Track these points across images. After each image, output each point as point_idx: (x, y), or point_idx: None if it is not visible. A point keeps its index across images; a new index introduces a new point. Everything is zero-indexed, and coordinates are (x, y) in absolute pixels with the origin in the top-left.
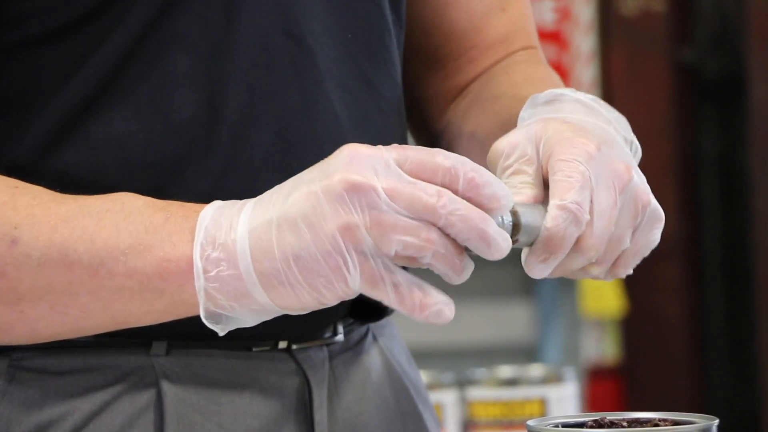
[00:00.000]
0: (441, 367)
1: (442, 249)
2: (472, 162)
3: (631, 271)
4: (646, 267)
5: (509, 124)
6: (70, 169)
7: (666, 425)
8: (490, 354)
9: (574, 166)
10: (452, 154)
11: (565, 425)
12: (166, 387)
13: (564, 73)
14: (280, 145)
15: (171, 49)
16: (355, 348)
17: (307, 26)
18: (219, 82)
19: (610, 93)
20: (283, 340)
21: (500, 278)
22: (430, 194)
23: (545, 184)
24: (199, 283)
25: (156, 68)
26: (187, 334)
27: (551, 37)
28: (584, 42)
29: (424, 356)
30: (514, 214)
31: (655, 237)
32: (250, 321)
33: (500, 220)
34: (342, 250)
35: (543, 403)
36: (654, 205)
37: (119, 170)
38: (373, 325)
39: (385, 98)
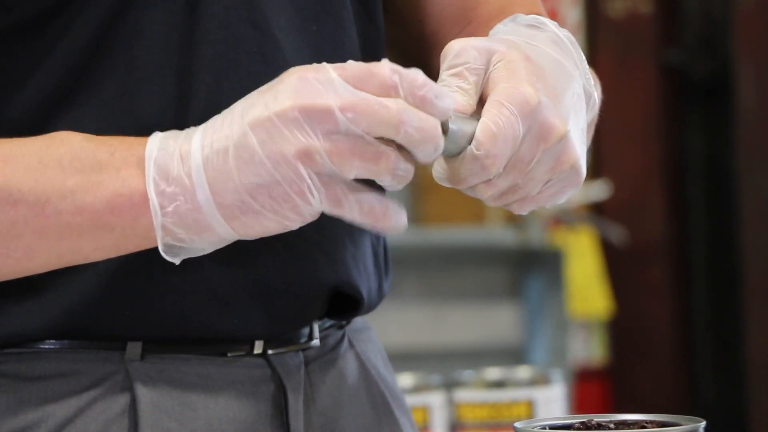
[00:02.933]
0: (428, 369)
1: (401, 171)
2: (410, 69)
3: (524, 212)
4: (632, 268)
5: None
6: None
7: (652, 427)
8: (478, 356)
9: (507, 118)
10: (390, 63)
11: (553, 427)
12: (141, 392)
13: None
14: None
15: (136, 43)
16: (330, 353)
17: (272, 17)
18: (186, 75)
19: None
20: (258, 339)
21: (487, 280)
22: (388, 107)
23: (481, 101)
24: (157, 219)
25: (122, 64)
26: (162, 336)
27: None
28: None
29: (411, 358)
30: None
31: (563, 197)
32: (207, 249)
33: None
34: (303, 175)
35: (530, 404)
36: (578, 167)
37: None
38: (349, 330)
39: None
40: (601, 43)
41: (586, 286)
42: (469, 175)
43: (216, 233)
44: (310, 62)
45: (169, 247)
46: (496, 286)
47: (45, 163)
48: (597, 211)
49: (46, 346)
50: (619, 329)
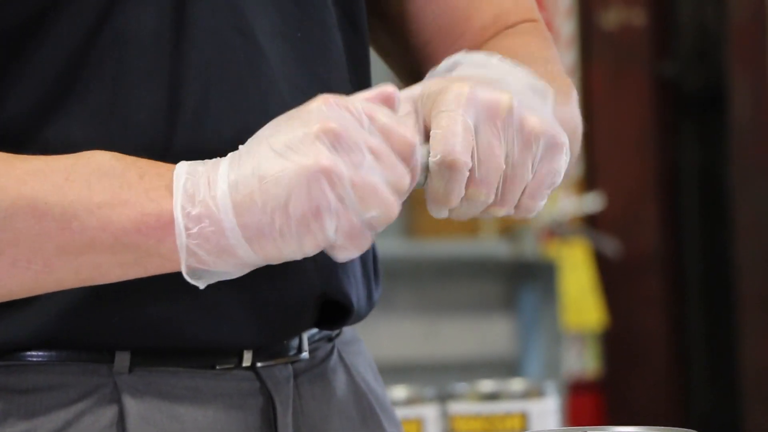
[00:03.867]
0: (422, 382)
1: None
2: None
3: (541, 205)
4: (626, 280)
5: None
6: None
7: None
8: (472, 368)
9: (449, 115)
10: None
11: None
12: (129, 405)
13: None
14: (239, 141)
15: (123, 50)
16: (320, 366)
17: (257, 24)
18: (175, 81)
19: (590, 107)
20: (248, 348)
21: (481, 292)
22: (410, 134)
23: (426, 137)
24: (181, 240)
25: (109, 71)
26: (150, 346)
27: None
28: (565, 56)
29: (404, 370)
30: None
31: (558, 164)
32: (232, 273)
33: None
34: (326, 201)
35: (524, 417)
36: (550, 132)
37: None
38: (338, 342)
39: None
40: (595, 55)
41: (580, 298)
42: (447, 187)
43: (239, 256)
44: (294, 69)
45: (192, 270)
46: (489, 298)
47: (72, 179)
48: (590, 223)
49: (35, 358)
50: (613, 341)
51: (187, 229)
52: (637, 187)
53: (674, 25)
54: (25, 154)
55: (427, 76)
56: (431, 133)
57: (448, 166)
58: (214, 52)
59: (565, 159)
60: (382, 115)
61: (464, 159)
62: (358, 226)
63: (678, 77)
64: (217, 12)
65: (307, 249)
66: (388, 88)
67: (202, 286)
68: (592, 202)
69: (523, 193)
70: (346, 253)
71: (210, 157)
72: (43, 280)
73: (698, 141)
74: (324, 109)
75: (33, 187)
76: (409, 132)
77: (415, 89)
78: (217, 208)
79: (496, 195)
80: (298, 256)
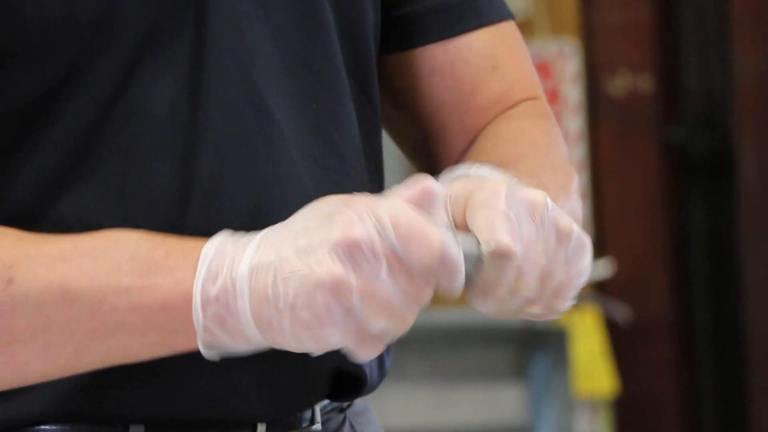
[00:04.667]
0: None
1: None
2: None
3: (567, 306)
4: (637, 346)
5: None
6: None
7: None
8: None
9: (492, 209)
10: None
11: None
12: None
13: None
14: (253, 214)
15: (138, 123)
16: None
17: (272, 97)
18: (189, 152)
19: (598, 172)
20: (261, 421)
21: (492, 360)
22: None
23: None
24: (197, 319)
25: (124, 143)
26: (164, 419)
27: None
28: (573, 122)
29: None
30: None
31: (584, 266)
32: (246, 350)
33: None
34: (334, 309)
35: None
36: (577, 233)
37: None
38: (349, 413)
39: (353, 166)
40: (602, 121)
41: (591, 365)
42: (498, 274)
43: (251, 340)
44: (309, 140)
45: (208, 346)
46: (500, 365)
47: (100, 263)
48: (600, 289)
49: (45, 428)
50: (625, 408)
51: (204, 309)
52: (646, 252)
53: (681, 90)
54: (40, 227)
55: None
56: (475, 226)
57: (502, 255)
58: (228, 124)
59: (589, 260)
60: (408, 219)
61: (516, 247)
62: (366, 335)
63: (685, 142)
64: (231, 85)
65: (315, 350)
66: (428, 184)
67: (216, 358)
68: (602, 268)
69: (554, 291)
70: (359, 356)
71: (224, 228)
72: (76, 363)
73: (706, 205)
74: (350, 215)
75: (61, 273)
76: (436, 238)
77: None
78: (235, 291)
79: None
80: (306, 351)
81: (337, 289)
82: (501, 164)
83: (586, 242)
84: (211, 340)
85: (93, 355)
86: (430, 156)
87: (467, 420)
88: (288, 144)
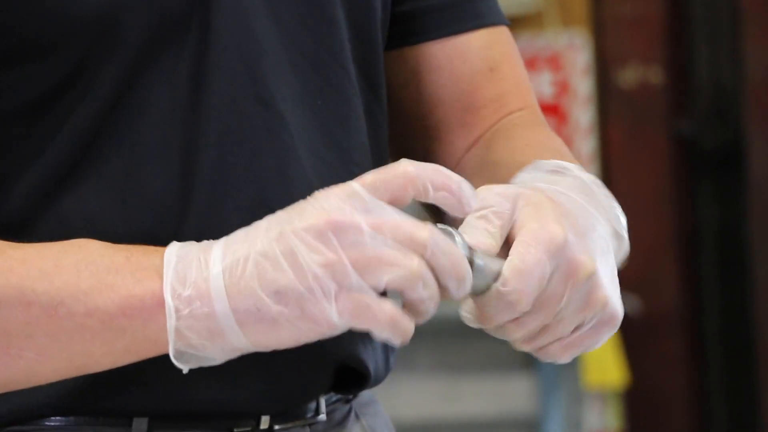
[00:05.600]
0: None
1: (430, 281)
2: (434, 165)
3: (565, 360)
4: (647, 339)
5: None
6: (46, 242)
7: None
8: (492, 428)
9: (535, 256)
10: (412, 163)
11: None
12: None
13: None
14: (257, 210)
15: (140, 121)
16: (337, 427)
17: (277, 92)
18: (192, 149)
19: (608, 165)
20: (265, 414)
21: (501, 351)
22: (416, 225)
23: (507, 245)
24: (171, 322)
25: (126, 141)
26: (167, 412)
27: (550, 110)
28: (583, 115)
29: (425, 430)
30: (471, 251)
31: (602, 338)
32: (218, 359)
33: (462, 242)
34: (326, 285)
35: None
36: (612, 308)
37: None
38: (355, 404)
39: (357, 164)
40: (613, 114)
41: (601, 357)
42: (496, 313)
43: (229, 341)
44: (314, 137)
45: (180, 354)
46: (510, 357)
47: (61, 266)
48: None
49: (51, 423)
50: (634, 400)
51: (177, 311)
52: (656, 244)
53: (691, 83)
54: (43, 225)
55: (530, 168)
56: (509, 258)
57: (510, 303)
58: (232, 119)
59: (609, 336)
60: (376, 178)
61: (528, 304)
62: (363, 304)
63: (695, 135)
64: (236, 81)
65: (308, 337)
66: (407, 168)
67: (185, 370)
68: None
69: (558, 340)
70: (376, 332)
71: (227, 225)
72: (39, 369)
73: (716, 198)
74: (323, 202)
75: (20, 274)
76: (410, 169)
77: (520, 191)
78: (209, 290)
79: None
80: (296, 344)
81: (331, 270)
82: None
83: (616, 320)
84: (183, 347)
85: (55, 360)
86: (425, 153)
87: (477, 411)
88: (294, 140)
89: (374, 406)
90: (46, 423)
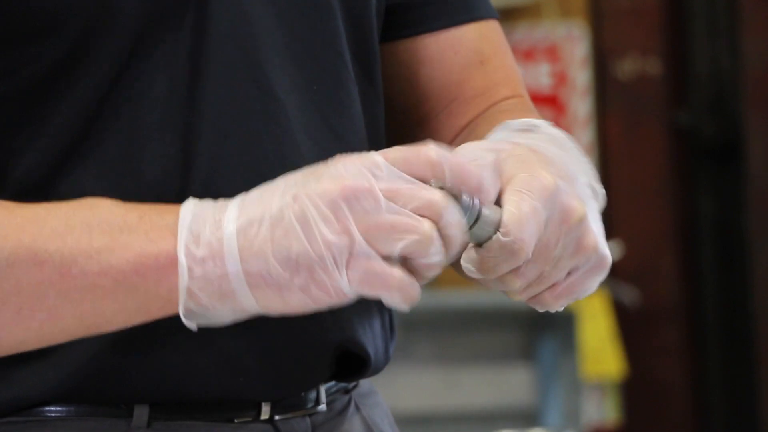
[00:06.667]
0: None
1: (440, 248)
2: (458, 157)
3: (560, 308)
4: (645, 330)
5: None
6: None
7: None
8: (491, 418)
9: (530, 203)
10: (436, 147)
11: None
12: None
13: None
14: None
15: (138, 104)
16: (337, 418)
17: (275, 77)
18: (189, 133)
19: (606, 156)
20: (265, 401)
21: (500, 343)
22: (430, 191)
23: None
24: (183, 281)
25: (123, 124)
26: (168, 399)
27: (548, 101)
28: (581, 106)
29: (424, 421)
30: (479, 203)
31: (593, 284)
32: (227, 320)
33: (468, 201)
34: (337, 254)
35: None
36: (601, 253)
37: None
38: (355, 394)
39: (353, 149)
40: (611, 105)
41: (599, 348)
42: (498, 264)
43: (239, 302)
44: (312, 121)
45: (189, 312)
46: (508, 348)
47: (72, 225)
48: (609, 272)
49: (52, 414)
50: (633, 391)
51: (190, 270)
52: (655, 235)
53: (690, 74)
54: None
55: (500, 128)
56: (506, 208)
57: (512, 252)
58: (229, 103)
59: (601, 280)
60: (396, 152)
61: (529, 253)
62: (373, 272)
63: (694, 126)
64: (234, 65)
65: (318, 303)
66: (431, 151)
67: (194, 328)
68: (611, 252)
69: (550, 288)
70: (385, 299)
71: None
72: (50, 328)
73: (715, 189)
74: (340, 166)
75: (32, 234)
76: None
77: (500, 145)
78: (222, 251)
79: None
80: (305, 310)
81: (342, 237)
82: None
83: (605, 265)
84: (194, 306)
85: (67, 320)
86: (412, 141)
87: (475, 402)
88: (292, 124)
89: (374, 396)
90: (47, 413)
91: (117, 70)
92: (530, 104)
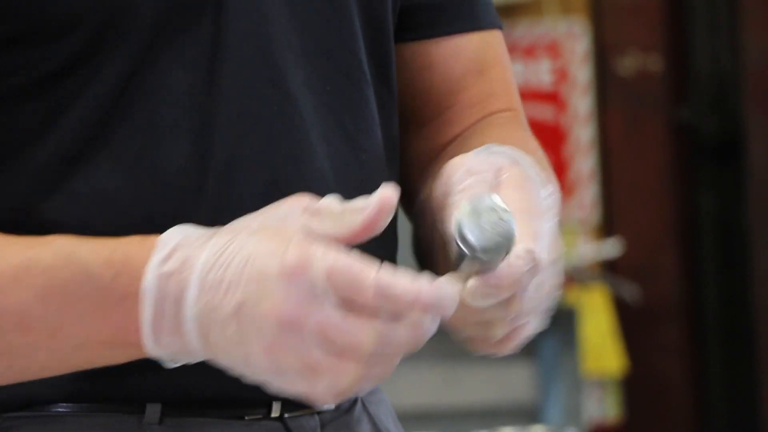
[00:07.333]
0: (443, 429)
1: (368, 384)
2: (403, 276)
3: (508, 351)
4: (646, 327)
5: None
6: (56, 224)
7: None
8: (492, 415)
9: (538, 226)
10: (384, 275)
11: None
12: None
13: (562, 134)
14: (270, 193)
15: (154, 100)
16: (345, 416)
17: (291, 77)
18: (205, 132)
19: (607, 153)
20: (276, 400)
21: None
22: (363, 331)
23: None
24: (154, 351)
25: (140, 121)
26: (181, 398)
27: (549, 97)
28: (581, 102)
29: (425, 418)
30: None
31: (539, 327)
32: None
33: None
34: (270, 371)
35: None
36: (552, 298)
37: (106, 225)
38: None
39: (365, 150)
40: (611, 101)
41: (600, 345)
42: (485, 297)
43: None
44: (325, 122)
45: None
46: None
47: (52, 285)
48: (610, 269)
49: (61, 410)
50: (634, 387)
51: (157, 343)
52: (656, 232)
53: (690, 71)
54: (55, 200)
55: (482, 149)
56: (520, 226)
57: (533, 258)
58: (247, 103)
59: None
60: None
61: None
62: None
63: (694, 123)
64: (251, 65)
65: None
66: (386, 198)
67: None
68: (611, 248)
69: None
70: (315, 398)
71: (240, 208)
72: (44, 374)
73: (716, 187)
74: (282, 286)
75: (17, 297)
76: (400, 284)
77: (499, 161)
78: (184, 331)
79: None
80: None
81: (272, 359)
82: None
83: (549, 309)
84: (173, 363)
85: (59, 369)
86: (406, 146)
87: (476, 399)
88: (307, 124)
89: (378, 393)
90: (57, 410)
91: (133, 68)
92: (523, 119)
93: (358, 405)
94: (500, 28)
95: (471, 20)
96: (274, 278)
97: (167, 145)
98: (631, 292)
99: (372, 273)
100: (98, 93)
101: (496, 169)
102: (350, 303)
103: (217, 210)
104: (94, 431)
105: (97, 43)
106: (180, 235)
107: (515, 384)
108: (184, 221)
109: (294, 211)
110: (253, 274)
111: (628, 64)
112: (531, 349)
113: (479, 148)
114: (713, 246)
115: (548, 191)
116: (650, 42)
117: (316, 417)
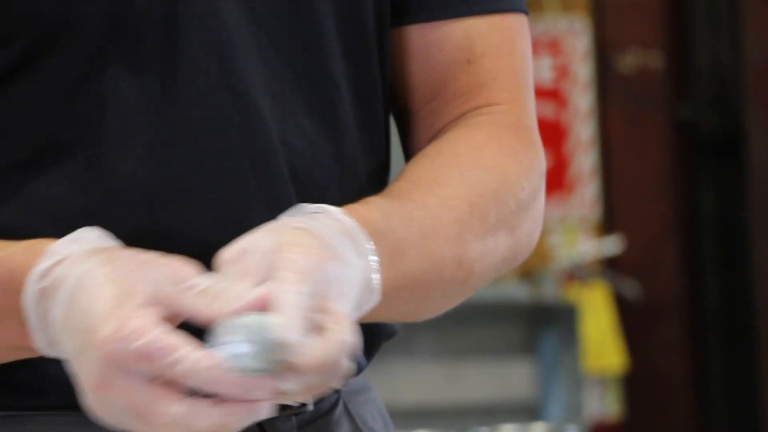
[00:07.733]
0: (444, 426)
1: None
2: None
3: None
4: (647, 324)
5: None
6: (9, 232)
7: None
8: (493, 412)
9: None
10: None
11: None
12: None
13: (562, 131)
14: (231, 203)
15: (102, 111)
16: (324, 418)
17: (252, 82)
18: (162, 141)
19: (608, 150)
20: None
21: (502, 336)
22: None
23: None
24: (53, 354)
25: (88, 131)
26: None
27: (550, 94)
28: (582, 99)
29: (426, 415)
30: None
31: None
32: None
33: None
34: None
35: None
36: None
37: (59, 234)
38: (344, 393)
39: (329, 154)
40: (612, 98)
41: (601, 342)
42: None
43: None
44: (286, 128)
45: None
46: (510, 342)
47: None
48: (610, 266)
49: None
50: (634, 385)
51: (53, 350)
52: (656, 229)
53: (691, 68)
54: (12, 208)
55: (294, 210)
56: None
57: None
58: (204, 111)
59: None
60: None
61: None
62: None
63: (695, 120)
64: (208, 72)
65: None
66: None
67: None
68: (612, 245)
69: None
70: None
71: (199, 218)
72: None
73: (716, 184)
74: (96, 352)
75: None
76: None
77: (266, 241)
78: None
79: None
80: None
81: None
82: (420, 185)
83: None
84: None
85: None
86: (406, 137)
87: (477, 396)
88: (270, 131)
89: (366, 393)
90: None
91: (77, 78)
92: (517, 114)
93: (340, 406)
94: (516, 11)
95: (460, 5)
96: (91, 344)
97: (119, 153)
98: (631, 289)
99: (182, 351)
100: (48, 99)
101: (264, 251)
102: (160, 377)
103: (174, 220)
104: (69, 429)
105: (44, 51)
106: (74, 245)
107: (516, 381)
108: (139, 231)
109: (175, 271)
110: (82, 328)
111: (628, 61)
112: (531, 346)
113: (292, 209)
114: (714, 243)
115: (348, 264)
116: (651, 39)
117: (293, 419)
